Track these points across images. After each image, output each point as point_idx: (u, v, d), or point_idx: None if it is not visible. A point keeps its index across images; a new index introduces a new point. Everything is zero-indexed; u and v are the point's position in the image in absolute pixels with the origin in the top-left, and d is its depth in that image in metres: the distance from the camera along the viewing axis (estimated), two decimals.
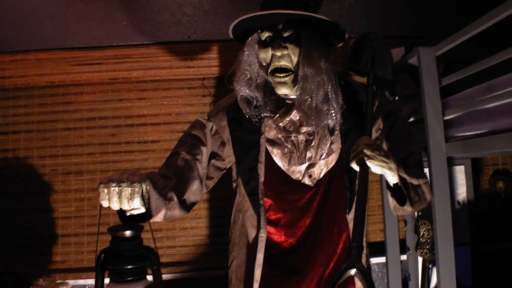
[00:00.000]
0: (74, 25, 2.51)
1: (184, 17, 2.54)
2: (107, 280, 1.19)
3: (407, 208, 1.38)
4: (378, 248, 2.42)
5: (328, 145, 1.50)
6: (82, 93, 2.51)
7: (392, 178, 1.33)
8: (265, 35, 1.48)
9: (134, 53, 2.54)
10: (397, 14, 2.66)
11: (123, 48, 2.54)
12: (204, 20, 2.55)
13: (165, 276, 2.39)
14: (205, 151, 1.51)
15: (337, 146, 1.51)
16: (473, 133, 1.65)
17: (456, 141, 1.72)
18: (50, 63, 2.51)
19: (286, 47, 1.43)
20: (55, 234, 2.43)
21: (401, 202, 1.40)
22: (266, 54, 1.47)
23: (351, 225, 1.50)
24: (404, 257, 2.40)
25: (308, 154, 1.48)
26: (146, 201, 1.21)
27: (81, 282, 2.38)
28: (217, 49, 2.57)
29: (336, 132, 1.51)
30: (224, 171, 1.62)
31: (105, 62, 2.53)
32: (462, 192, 2.39)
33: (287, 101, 1.53)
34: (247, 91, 1.50)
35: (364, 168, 1.26)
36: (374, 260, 2.51)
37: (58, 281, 2.18)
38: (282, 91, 1.48)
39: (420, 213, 2.21)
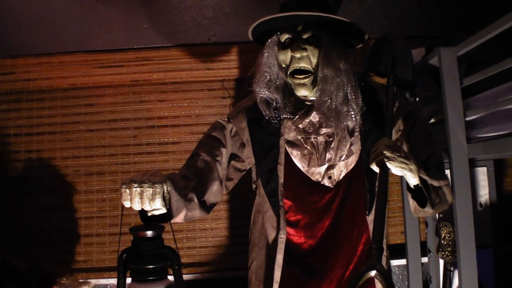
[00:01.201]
0: (96, 28, 2.55)
1: (204, 19, 2.56)
2: (129, 280, 1.20)
3: (428, 210, 1.37)
4: (399, 250, 2.39)
5: (347, 146, 1.49)
6: (104, 95, 2.55)
7: (413, 180, 1.33)
8: (285, 36, 1.48)
9: (155, 56, 2.57)
10: (418, 14, 2.63)
11: (144, 51, 2.57)
12: (224, 22, 2.57)
13: (185, 277, 2.41)
14: (225, 153, 1.52)
15: (357, 148, 1.50)
16: (495, 134, 1.62)
17: (478, 142, 1.70)
18: (73, 65, 2.56)
19: (305, 49, 1.43)
20: (78, 233, 2.47)
21: (421, 204, 1.39)
22: (285, 56, 1.47)
23: (371, 226, 1.49)
24: (425, 259, 2.38)
25: (328, 156, 1.48)
26: (167, 202, 1.22)
27: (103, 281, 2.42)
28: (236, 51, 2.58)
29: (355, 134, 1.51)
30: (244, 172, 1.63)
31: (126, 64, 2.57)
32: (484, 193, 2.35)
33: (307, 103, 1.53)
34: (266, 92, 1.50)
35: (384, 169, 1.26)
36: (394, 263, 2.49)
37: (81, 280, 2.22)
38: (302, 92, 1.48)
39: (441, 215, 2.18)
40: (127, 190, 1.16)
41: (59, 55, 2.56)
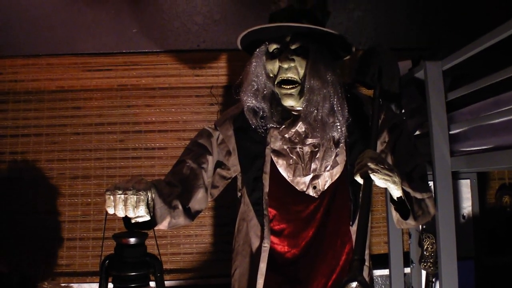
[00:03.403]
0: (85, 31, 2.55)
1: (194, 26, 2.57)
2: (110, 286, 1.20)
3: (410, 221, 1.39)
4: (382, 260, 2.41)
5: (333, 157, 1.50)
6: (91, 99, 2.54)
7: (396, 192, 1.34)
8: (273, 47, 1.49)
9: (144, 60, 2.57)
10: (406, 27, 2.67)
11: (132, 55, 2.57)
12: (213, 29, 2.58)
13: (169, 283, 2.40)
14: (211, 160, 1.53)
15: (342, 158, 1.52)
16: (478, 148, 1.64)
17: (461, 156, 1.72)
18: (61, 68, 2.55)
19: (293, 60, 1.44)
20: (61, 237, 2.45)
21: (404, 215, 1.40)
22: (273, 66, 1.48)
23: (354, 237, 1.49)
24: (407, 270, 2.40)
25: (313, 166, 1.49)
26: (151, 209, 1.22)
27: (85, 286, 2.40)
28: (225, 58, 2.59)
29: (341, 145, 1.52)
30: (230, 180, 1.63)
31: (114, 68, 2.56)
32: (467, 206, 2.38)
33: (293, 113, 1.54)
34: (253, 101, 1.51)
35: (368, 181, 1.27)
36: (377, 272, 2.50)
37: (63, 285, 2.20)
38: (289, 102, 1.49)
39: (424, 227, 2.20)
40: (111, 197, 1.16)
41: (47, 57, 2.55)
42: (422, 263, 2.17)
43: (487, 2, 2.62)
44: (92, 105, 2.54)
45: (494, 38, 1.45)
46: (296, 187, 1.51)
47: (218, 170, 1.56)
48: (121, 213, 1.16)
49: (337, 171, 1.51)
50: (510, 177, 2.74)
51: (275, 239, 1.51)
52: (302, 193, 1.51)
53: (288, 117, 1.54)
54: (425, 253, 2.16)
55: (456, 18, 2.65)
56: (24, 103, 2.52)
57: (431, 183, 1.65)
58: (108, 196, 1.17)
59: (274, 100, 1.54)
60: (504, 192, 2.70)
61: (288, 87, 1.46)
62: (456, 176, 2.32)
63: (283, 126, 1.52)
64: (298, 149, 1.51)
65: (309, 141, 1.50)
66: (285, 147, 1.51)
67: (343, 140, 1.52)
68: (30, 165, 2.48)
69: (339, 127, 1.48)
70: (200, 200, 1.47)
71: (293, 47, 1.46)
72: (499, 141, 1.52)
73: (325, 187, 1.51)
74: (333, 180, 1.52)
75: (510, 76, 1.40)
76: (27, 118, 2.51)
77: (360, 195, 1.33)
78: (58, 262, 2.44)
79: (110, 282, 1.20)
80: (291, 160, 1.51)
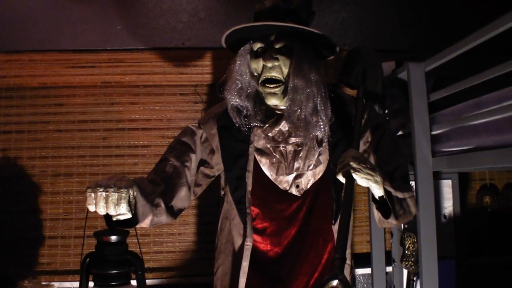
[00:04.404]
0: (69, 27, 2.52)
1: (179, 24, 2.55)
2: (91, 284, 1.19)
3: (392, 221, 1.40)
4: (364, 259, 2.43)
5: (316, 156, 1.51)
6: (74, 96, 2.52)
7: (378, 191, 1.35)
8: (257, 45, 1.50)
9: (128, 58, 2.56)
10: (390, 28, 2.69)
11: (117, 52, 2.56)
12: (198, 28, 2.57)
13: (151, 281, 2.40)
14: (194, 158, 1.52)
15: (325, 158, 1.52)
16: (459, 148, 1.67)
17: (443, 156, 1.74)
18: (44, 64, 2.52)
19: (277, 59, 1.45)
20: (42, 235, 2.43)
21: (386, 214, 1.41)
22: (257, 65, 1.48)
23: (336, 235, 1.50)
24: (389, 268, 2.42)
25: (296, 165, 1.50)
26: (132, 207, 1.22)
27: (67, 284, 2.38)
28: (210, 57, 2.59)
29: (324, 144, 1.53)
30: (213, 178, 1.63)
31: (98, 65, 2.55)
32: (448, 206, 2.40)
33: (277, 112, 1.54)
34: (237, 100, 1.51)
35: (350, 180, 1.27)
36: (359, 271, 2.52)
37: (44, 283, 2.18)
38: (272, 101, 1.50)
39: (406, 226, 2.22)
40: (92, 194, 1.15)
41: (30, 53, 2.52)
42: (404, 262, 2.20)
43: (470, 5, 2.65)
44: (75, 102, 2.52)
45: (476, 40, 1.47)
46: (279, 186, 1.51)
47: (201, 168, 1.56)
48: (102, 211, 1.16)
49: (320, 170, 1.52)
50: (491, 178, 2.78)
51: (257, 238, 1.51)
52: (285, 192, 1.51)
53: (272, 116, 1.54)
54: (406, 252, 2.18)
55: (439, 21, 2.68)
56: (5, 99, 2.49)
57: (412, 183, 1.66)
58: (89, 193, 1.16)
59: (258, 99, 1.55)
60: (485, 193, 2.74)
61: (272, 86, 1.47)
62: (437, 176, 2.34)
63: (267, 125, 1.53)
64: (281, 148, 1.51)
65: (293, 140, 1.50)
66: (268, 146, 1.52)
67: (326, 140, 1.53)
68: (12, 162, 2.45)
69: (322, 126, 1.49)
70: (183, 198, 1.47)
71: (277, 46, 1.47)
72: (480, 142, 1.54)
73: (308, 186, 1.52)
74: (316, 179, 1.52)
75: (490, 78, 1.43)
76: (8, 115, 2.48)
77: (343, 194, 1.34)
78: (40, 261, 2.41)
79: (91, 280, 1.19)
80: (274, 159, 1.51)
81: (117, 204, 1.15)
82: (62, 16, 2.52)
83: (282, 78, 1.47)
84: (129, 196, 1.19)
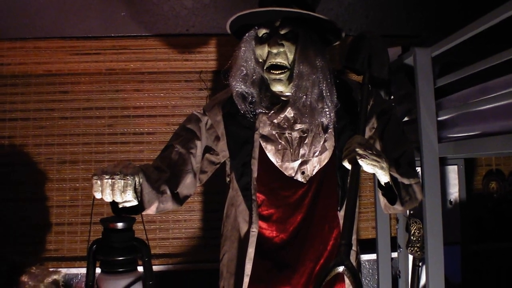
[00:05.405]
0: (73, 14, 2.51)
1: (183, 10, 2.54)
2: (98, 270, 1.20)
3: (398, 207, 1.40)
4: (370, 245, 2.43)
5: (321, 142, 1.50)
6: (79, 83, 2.52)
7: (384, 177, 1.35)
8: (262, 31, 1.48)
9: (132, 45, 2.55)
10: (396, 13, 2.66)
11: (121, 39, 2.55)
12: (203, 14, 2.55)
13: (157, 268, 2.41)
14: (199, 145, 1.52)
15: (330, 144, 1.52)
16: (465, 134, 1.66)
17: (449, 142, 1.74)
18: (48, 51, 2.52)
19: (282, 45, 1.43)
20: (49, 222, 2.44)
21: (392, 201, 1.41)
22: (262, 51, 1.47)
23: (342, 222, 1.50)
24: (394, 254, 2.42)
25: (302, 151, 1.49)
26: (138, 194, 1.22)
27: (73, 271, 2.41)
28: (215, 43, 2.58)
29: (330, 130, 1.52)
30: (218, 165, 1.63)
31: (103, 52, 2.54)
32: (454, 191, 2.40)
33: (282, 98, 1.54)
34: (242, 86, 1.51)
35: (356, 166, 1.27)
36: (365, 257, 2.53)
37: (51, 269, 2.20)
38: (277, 88, 1.49)
39: (411, 212, 2.22)
40: (99, 181, 1.16)
41: (34, 40, 2.52)
42: (409, 248, 2.20)
43: None
44: (80, 89, 2.52)
45: (482, 25, 1.46)
46: (285, 173, 1.51)
47: (207, 155, 1.56)
48: (108, 198, 1.16)
49: (326, 156, 1.52)
50: (497, 163, 2.77)
51: (263, 224, 1.51)
52: (291, 178, 1.51)
53: (277, 103, 1.54)
54: (412, 238, 2.18)
55: (446, 6, 2.64)
56: (10, 87, 2.49)
57: (418, 169, 1.66)
58: (95, 180, 1.17)
59: (263, 85, 1.54)
60: (491, 178, 2.74)
61: (277, 72, 1.46)
62: (443, 162, 2.34)
63: (272, 112, 1.52)
64: (286, 135, 1.51)
65: (298, 126, 1.50)
66: (273, 132, 1.51)
67: (331, 126, 1.52)
68: (18, 150, 2.46)
69: (327, 112, 1.48)
70: (189, 185, 1.47)
71: (282, 32, 1.45)
72: (486, 127, 1.54)
73: (314, 173, 1.52)
74: (321, 166, 1.52)
75: (497, 64, 1.42)
76: (14, 102, 2.48)
77: (348, 180, 1.34)
78: (47, 247, 2.44)
79: (98, 266, 1.20)
80: (279, 146, 1.51)
81: (123, 191, 1.16)
82: (66, 2, 2.50)
83: (288, 64, 1.46)
84: (135, 183, 1.20)
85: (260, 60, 1.50)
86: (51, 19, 2.50)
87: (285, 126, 1.51)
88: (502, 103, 1.40)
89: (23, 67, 2.50)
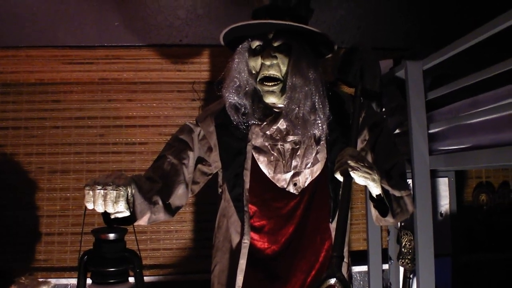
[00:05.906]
0: (66, 23, 2.51)
1: (176, 20, 2.54)
2: (89, 281, 1.19)
3: (389, 219, 1.40)
4: (361, 257, 2.43)
5: (313, 154, 1.51)
6: (71, 92, 2.51)
7: (375, 189, 1.35)
8: (256, 43, 1.49)
9: (125, 54, 2.55)
10: (388, 26, 2.69)
11: (114, 49, 2.55)
12: (196, 24, 2.56)
13: (148, 278, 2.40)
14: (192, 156, 1.52)
15: (322, 156, 1.52)
16: (456, 147, 1.67)
17: (440, 154, 1.75)
18: (41, 60, 2.52)
19: (275, 57, 1.44)
20: (39, 232, 2.42)
21: (383, 213, 1.42)
22: (255, 63, 1.48)
23: (333, 233, 1.50)
24: (386, 266, 2.42)
25: (294, 163, 1.50)
26: (130, 205, 1.22)
27: (63, 281, 2.38)
28: (208, 54, 2.58)
29: (322, 142, 1.53)
30: (210, 176, 1.63)
31: (95, 62, 2.54)
32: (445, 203, 2.42)
33: (275, 110, 1.54)
34: (235, 98, 1.51)
35: (348, 178, 1.28)
36: (356, 269, 2.53)
37: (40, 280, 2.18)
38: (270, 99, 1.50)
39: (403, 224, 2.23)
40: (91, 192, 1.15)
41: (27, 49, 2.52)
42: (400, 260, 2.20)
43: (469, 3, 2.65)
44: (72, 99, 2.51)
45: (473, 39, 1.48)
46: (277, 184, 1.51)
47: (199, 166, 1.56)
48: (100, 209, 1.16)
49: (318, 168, 1.52)
50: (487, 176, 2.79)
51: (255, 236, 1.51)
52: (283, 190, 1.51)
53: (270, 114, 1.54)
54: (403, 250, 2.19)
55: (437, 19, 2.67)
56: (2, 95, 2.48)
57: (410, 181, 1.67)
58: (87, 191, 1.16)
59: (256, 97, 1.55)
60: (481, 191, 2.76)
61: (270, 84, 1.46)
62: (434, 174, 2.35)
63: (265, 123, 1.53)
64: (279, 146, 1.51)
65: (290, 138, 1.50)
66: (266, 144, 1.52)
67: (324, 138, 1.53)
68: (8, 159, 2.45)
69: (320, 124, 1.49)
70: (181, 196, 1.47)
71: (275, 44, 1.46)
72: (476, 140, 1.55)
73: (306, 184, 1.52)
74: (313, 177, 1.52)
75: (488, 77, 1.43)
76: (5, 111, 2.47)
77: (340, 192, 1.34)
78: (36, 257, 2.41)
79: (88, 277, 1.19)
80: (272, 157, 1.51)
81: (116, 202, 1.16)
82: (59, 11, 2.49)
83: (280, 76, 1.46)
84: (127, 194, 1.19)
85: (253, 72, 1.51)
86: (43, 28, 2.50)
87: (278, 137, 1.51)
88: (492, 116, 1.42)
89: (15, 75, 2.50)
